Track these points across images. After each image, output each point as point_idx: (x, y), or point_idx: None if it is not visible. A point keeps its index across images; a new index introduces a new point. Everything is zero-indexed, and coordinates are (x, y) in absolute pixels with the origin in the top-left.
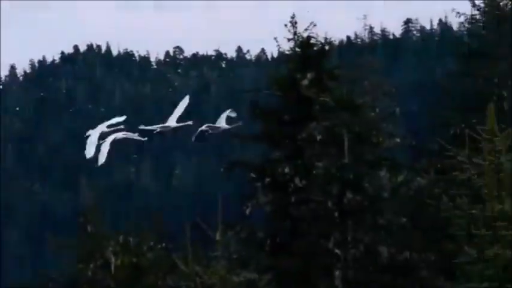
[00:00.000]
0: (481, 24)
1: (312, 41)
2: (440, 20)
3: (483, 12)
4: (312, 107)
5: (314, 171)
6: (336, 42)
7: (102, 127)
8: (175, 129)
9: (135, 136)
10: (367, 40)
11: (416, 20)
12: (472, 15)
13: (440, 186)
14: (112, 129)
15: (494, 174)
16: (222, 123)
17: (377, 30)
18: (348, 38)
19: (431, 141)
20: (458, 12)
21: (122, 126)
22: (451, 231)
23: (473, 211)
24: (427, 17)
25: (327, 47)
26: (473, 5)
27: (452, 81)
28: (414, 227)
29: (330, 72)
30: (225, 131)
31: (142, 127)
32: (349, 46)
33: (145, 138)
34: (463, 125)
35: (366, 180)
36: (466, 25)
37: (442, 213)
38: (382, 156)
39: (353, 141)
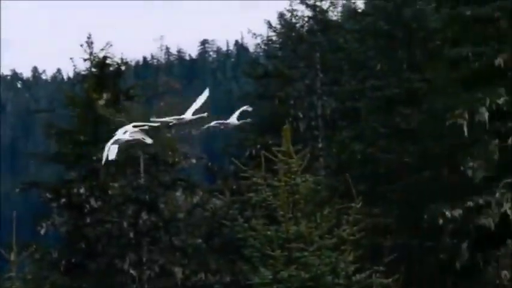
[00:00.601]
0: (277, 45)
1: (108, 61)
2: (236, 41)
3: (279, 34)
4: (108, 127)
5: (110, 192)
6: (132, 63)
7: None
8: (191, 121)
9: (143, 136)
10: (163, 60)
11: (213, 40)
12: (268, 36)
13: (235, 208)
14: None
15: (290, 195)
16: (233, 119)
17: (173, 50)
18: (144, 58)
19: (227, 162)
20: (254, 34)
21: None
22: (246, 252)
23: (269, 232)
24: (224, 38)
25: (123, 67)
26: (270, 27)
27: (249, 102)
28: (209, 248)
29: (126, 92)
30: (235, 127)
31: (153, 119)
32: (145, 66)
33: (150, 141)
34: (258, 146)
35: (161, 200)
36: (263, 46)
37: (237, 234)
38: (178, 177)
39: (149, 162)
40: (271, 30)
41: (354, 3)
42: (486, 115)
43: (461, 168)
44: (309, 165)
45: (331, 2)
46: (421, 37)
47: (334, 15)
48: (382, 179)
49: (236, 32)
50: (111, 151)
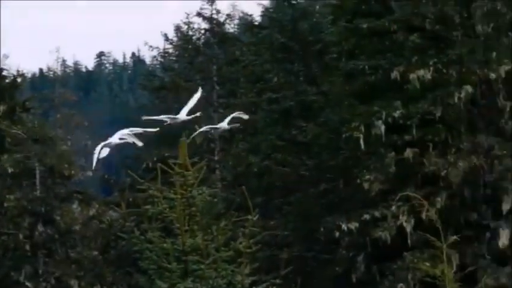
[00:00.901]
0: (174, 58)
1: (4, 73)
2: (133, 54)
3: (176, 46)
4: (4, 140)
5: (5, 204)
6: (28, 75)
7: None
8: (184, 121)
9: (135, 139)
10: (59, 73)
11: (109, 53)
12: (164, 49)
13: (132, 220)
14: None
15: (186, 207)
16: (224, 124)
17: (70, 62)
18: (41, 70)
19: (123, 174)
20: (151, 46)
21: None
22: (143, 265)
23: (165, 245)
24: (120, 50)
25: (19, 79)
26: (166, 39)
27: (145, 114)
28: (105, 260)
29: (23, 104)
30: (224, 130)
31: (146, 117)
32: (42, 78)
33: (141, 144)
34: (155, 159)
35: (57, 213)
36: (159, 59)
37: (133, 246)
38: (74, 189)
39: (45, 174)
40: (168, 42)
41: (251, 16)
42: (382, 128)
43: (358, 181)
44: (205, 178)
45: (227, 15)
46: (317, 50)
47: (231, 27)
48: (279, 192)
49: (133, 45)
50: (102, 152)
